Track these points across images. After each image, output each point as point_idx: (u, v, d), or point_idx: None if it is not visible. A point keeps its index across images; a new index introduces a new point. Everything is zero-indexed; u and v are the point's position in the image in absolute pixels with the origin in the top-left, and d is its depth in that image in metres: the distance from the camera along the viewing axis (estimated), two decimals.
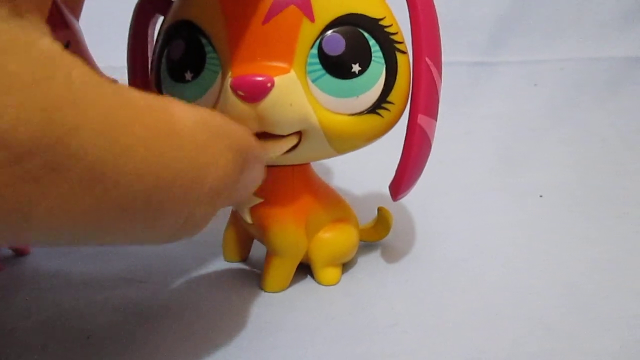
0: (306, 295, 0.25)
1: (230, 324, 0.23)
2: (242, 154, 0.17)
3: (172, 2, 0.24)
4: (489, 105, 0.50)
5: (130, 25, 0.26)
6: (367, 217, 0.29)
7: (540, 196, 0.36)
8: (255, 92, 0.20)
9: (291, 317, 0.23)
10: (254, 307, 0.24)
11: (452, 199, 0.36)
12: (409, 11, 0.23)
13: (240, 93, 0.20)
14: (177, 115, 0.14)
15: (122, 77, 0.27)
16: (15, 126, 0.11)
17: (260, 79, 0.20)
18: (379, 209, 0.29)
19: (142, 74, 0.26)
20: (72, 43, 0.24)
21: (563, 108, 0.49)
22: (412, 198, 0.29)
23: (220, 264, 0.28)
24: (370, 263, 0.28)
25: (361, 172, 0.35)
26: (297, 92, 0.21)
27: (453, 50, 0.46)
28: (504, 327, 0.22)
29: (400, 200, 0.29)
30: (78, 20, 0.26)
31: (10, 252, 0.28)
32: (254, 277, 0.26)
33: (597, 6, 0.52)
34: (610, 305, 0.24)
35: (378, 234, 0.29)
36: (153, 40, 0.26)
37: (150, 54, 0.26)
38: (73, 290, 0.25)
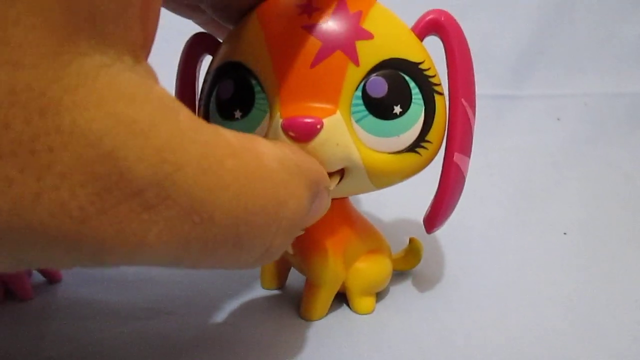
0: (340, 326, 0.26)
1: (259, 356, 0.24)
2: (315, 186, 0.18)
3: (220, 42, 0.26)
4: (512, 138, 0.50)
5: (179, 64, 0.27)
6: (395, 246, 0.30)
7: (564, 234, 0.36)
8: (305, 133, 0.21)
9: (321, 352, 0.24)
10: (287, 339, 0.25)
11: (476, 233, 0.36)
12: (446, 55, 0.24)
13: (291, 134, 0.21)
14: (263, 153, 0.16)
15: None
16: (136, 164, 0.12)
17: (310, 120, 0.21)
18: (411, 240, 0.30)
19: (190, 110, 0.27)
20: None
21: (586, 143, 0.50)
22: (436, 236, 0.30)
23: (255, 293, 0.29)
24: (401, 293, 0.29)
25: (390, 203, 0.36)
26: (342, 132, 0.22)
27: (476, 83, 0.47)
28: None
29: (424, 235, 0.30)
30: None
31: (42, 279, 0.30)
32: (291, 304, 0.27)
33: (620, 41, 0.52)
34: (638, 349, 0.24)
35: (409, 264, 0.30)
36: (199, 78, 0.27)
37: (197, 91, 0.27)
38: (104, 320, 0.26)
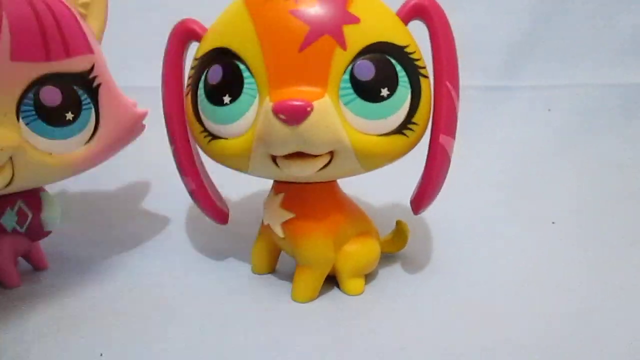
0: (330, 309, 0.26)
1: (242, 340, 0.24)
2: None
3: (206, 29, 0.26)
4: (503, 129, 0.50)
5: (166, 51, 0.27)
6: (382, 229, 0.30)
7: (553, 222, 0.36)
8: (296, 116, 0.21)
9: (306, 336, 0.24)
10: (277, 320, 0.25)
11: (465, 222, 0.36)
12: (431, 39, 0.25)
13: (282, 116, 0.21)
14: None
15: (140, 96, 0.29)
16: None
17: (300, 103, 0.21)
18: (397, 222, 0.30)
19: (177, 97, 0.27)
20: (96, 66, 0.26)
21: (577, 134, 0.50)
22: (425, 218, 0.30)
23: (246, 278, 0.29)
24: (389, 276, 0.29)
25: (375, 187, 0.36)
26: (332, 115, 0.22)
27: (467, 75, 0.46)
28: (512, 355, 0.23)
29: (414, 220, 0.30)
30: (100, 44, 0.27)
31: (28, 266, 0.30)
32: (282, 287, 0.28)
33: (612, 33, 0.52)
34: (622, 332, 0.24)
35: (396, 246, 0.30)
36: (185, 65, 0.27)
37: (184, 78, 0.27)
38: (88, 306, 0.26)
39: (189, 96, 0.26)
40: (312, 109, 0.21)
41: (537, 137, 0.49)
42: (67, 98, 0.25)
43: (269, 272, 0.29)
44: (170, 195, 0.38)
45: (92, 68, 0.26)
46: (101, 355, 0.22)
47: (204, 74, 0.25)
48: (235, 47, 0.24)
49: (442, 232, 0.34)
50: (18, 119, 0.23)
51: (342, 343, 0.24)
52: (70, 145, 0.25)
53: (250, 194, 0.39)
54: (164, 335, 0.24)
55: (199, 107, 0.25)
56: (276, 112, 0.21)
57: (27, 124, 0.24)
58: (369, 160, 0.24)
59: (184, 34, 0.27)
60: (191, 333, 0.24)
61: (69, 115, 0.25)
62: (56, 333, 0.24)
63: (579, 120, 0.50)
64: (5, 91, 0.23)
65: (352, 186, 0.36)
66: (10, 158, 0.23)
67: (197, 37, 0.26)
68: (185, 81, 0.27)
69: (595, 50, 0.52)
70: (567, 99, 0.51)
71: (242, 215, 0.32)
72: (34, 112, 0.24)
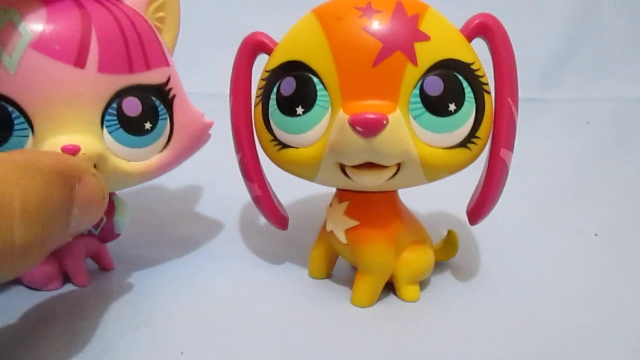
0: (387, 314, 0.27)
1: (307, 341, 0.25)
2: (61, 173, 0.19)
3: (276, 42, 0.27)
4: (541, 141, 0.50)
5: (235, 62, 0.28)
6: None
7: (595, 235, 0.37)
8: (372, 128, 0.22)
9: (368, 340, 0.25)
10: (336, 323, 0.26)
11: (508, 232, 0.37)
12: (493, 56, 0.26)
13: (359, 128, 0.22)
14: None
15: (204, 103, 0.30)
16: None
17: (376, 116, 0.22)
18: (449, 232, 0.31)
19: (244, 106, 0.28)
20: (172, 78, 0.27)
21: (614, 147, 0.50)
22: (470, 228, 0.31)
23: (304, 282, 0.30)
24: (442, 284, 0.30)
25: (423, 196, 0.37)
26: (403, 128, 0.23)
27: None
28: None
29: (458, 229, 0.31)
30: (172, 56, 0.29)
31: (95, 266, 0.31)
32: (339, 292, 0.29)
33: None
34: None
35: (446, 254, 0.31)
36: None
37: (252, 88, 0.28)
38: (159, 305, 0.27)
39: (259, 106, 0.27)
40: (387, 122, 0.23)
41: (575, 150, 0.49)
42: (146, 108, 0.26)
43: (326, 277, 0.30)
44: (221, 200, 0.40)
45: (168, 80, 0.27)
46: (182, 354, 0.23)
47: (276, 85, 0.26)
48: (308, 60, 0.25)
49: (486, 241, 0.35)
50: (102, 128, 0.25)
51: (403, 347, 0.24)
52: (147, 154, 0.26)
53: (300, 200, 0.40)
54: (233, 337, 0.25)
55: (270, 117, 0.26)
56: (353, 124, 0.23)
57: (110, 133, 0.25)
58: (434, 172, 0.25)
59: (255, 46, 0.28)
60: (252, 332, 0.25)
61: (148, 125, 0.26)
62: (136, 331, 0.25)
63: (616, 133, 0.51)
64: (91, 101, 0.24)
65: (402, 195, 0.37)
66: (94, 165, 0.24)
67: (267, 50, 0.27)
68: (254, 92, 0.28)
69: (631, 64, 0.52)
70: (604, 112, 0.52)
71: (295, 221, 0.33)
72: (116, 122, 0.25)
